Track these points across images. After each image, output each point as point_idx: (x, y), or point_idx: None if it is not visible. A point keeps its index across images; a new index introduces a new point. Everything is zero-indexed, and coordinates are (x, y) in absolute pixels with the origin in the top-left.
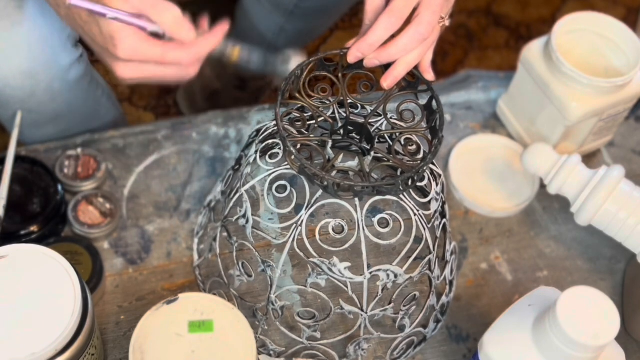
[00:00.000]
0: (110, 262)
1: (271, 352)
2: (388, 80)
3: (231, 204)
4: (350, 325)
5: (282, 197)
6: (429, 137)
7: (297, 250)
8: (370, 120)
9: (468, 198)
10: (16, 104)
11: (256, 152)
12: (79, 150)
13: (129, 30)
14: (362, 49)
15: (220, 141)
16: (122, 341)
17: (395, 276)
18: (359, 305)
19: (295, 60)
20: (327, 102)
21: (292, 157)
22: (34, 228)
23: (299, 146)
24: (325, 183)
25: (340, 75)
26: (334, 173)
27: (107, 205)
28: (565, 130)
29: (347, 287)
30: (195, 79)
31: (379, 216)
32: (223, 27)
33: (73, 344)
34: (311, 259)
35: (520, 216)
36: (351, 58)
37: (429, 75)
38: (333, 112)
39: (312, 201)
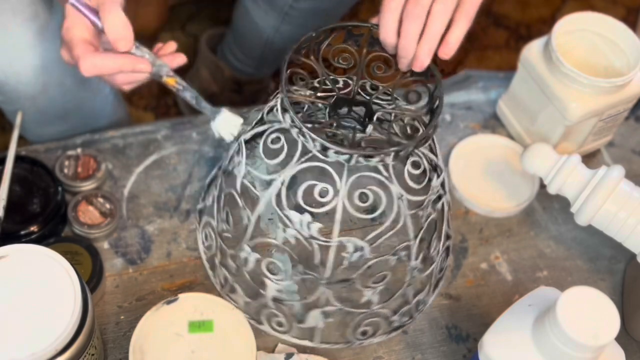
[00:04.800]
0: (110, 262)
1: (239, 299)
2: (416, 65)
3: (231, 153)
4: (311, 290)
5: (275, 149)
6: (425, 120)
7: (274, 204)
8: (375, 100)
9: (468, 198)
10: (27, 99)
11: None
12: (79, 150)
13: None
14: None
15: (220, 141)
16: (122, 341)
17: (362, 249)
18: (323, 272)
19: (223, 119)
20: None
21: (286, 110)
22: (34, 228)
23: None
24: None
25: (365, 51)
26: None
27: (107, 205)
28: (565, 130)
29: (314, 249)
30: (194, 81)
31: (359, 190)
32: (167, 47)
33: (73, 344)
34: (285, 212)
35: (520, 216)
36: (390, 51)
37: (442, 50)
38: (343, 87)
39: (302, 160)
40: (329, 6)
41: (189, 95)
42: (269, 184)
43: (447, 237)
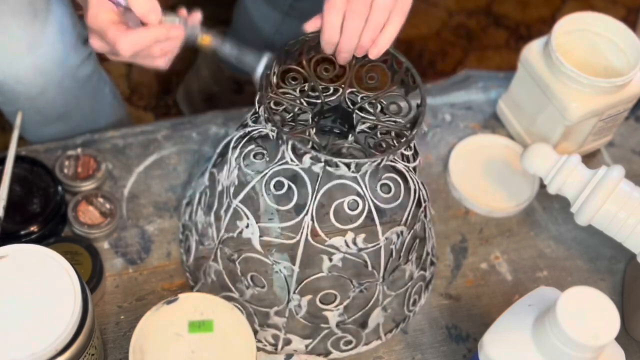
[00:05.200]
0: (110, 262)
1: (299, 347)
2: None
3: (227, 221)
4: (370, 295)
5: (281, 194)
6: (403, 94)
7: (312, 243)
8: (343, 98)
9: (468, 198)
10: (26, 100)
11: (237, 162)
12: (79, 150)
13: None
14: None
15: (220, 141)
16: (122, 341)
17: (402, 234)
18: (377, 274)
19: (267, 62)
20: (295, 94)
21: (298, 149)
22: (34, 228)
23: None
24: (350, 166)
25: (304, 61)
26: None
27: (107, 205)
28: (565, 130)
29: (364, 260)
30: (194, 81)
31: (379, 183)
32: (193, 17)
33: (73, 344)
34: (327, 244)
35: (520, 216)
36: (327, 50)
37: (372, 51)
38: (301, 103)
39: (316, 188)
40: None
41: (229, 48)
42: (295, 229)
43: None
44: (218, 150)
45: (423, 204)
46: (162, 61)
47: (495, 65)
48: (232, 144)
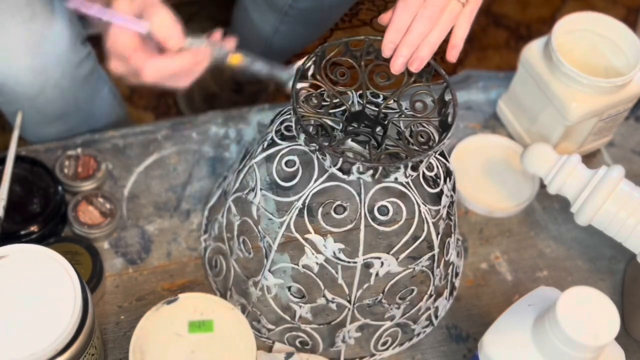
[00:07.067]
0: (110, 262)
1: (262, 329)
2: (414, 65)
3: (241, 177)
4: (338, 313)
5: (290, 172)
6: (438, 127)
7: (292, 228)
8: (384, 110)
9: (468, 198)
10: (26, 100)
11: (273, 130)
12: (79, 150)
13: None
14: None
15: (220, 141)
16: (122, 341)
17: (389, 265)
18: (347, 294)
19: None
20: (344, 90)
21: (302, 130)
22: (34, 228)
23: (312, 121)
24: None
25: (362, 63)
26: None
27: (107, 205)
28: (565, 130)
29: (337, 273)
30: (194, 81)
31: (379, 203)
32: (216, 36)
33: (73, 344)
34: (307, 235)
35: (520, 216)
36: (387, 51)
37: (450, 54)
38: (351, 101)
39: (319, 181)
40: (328, 6)
41: (260, 65)
42: (286, 210)
43: (458, 239)
44: (276, 115)
45: (432, 251)
46: (185, 82)
47: (495, 65)
48: (284, 111)
